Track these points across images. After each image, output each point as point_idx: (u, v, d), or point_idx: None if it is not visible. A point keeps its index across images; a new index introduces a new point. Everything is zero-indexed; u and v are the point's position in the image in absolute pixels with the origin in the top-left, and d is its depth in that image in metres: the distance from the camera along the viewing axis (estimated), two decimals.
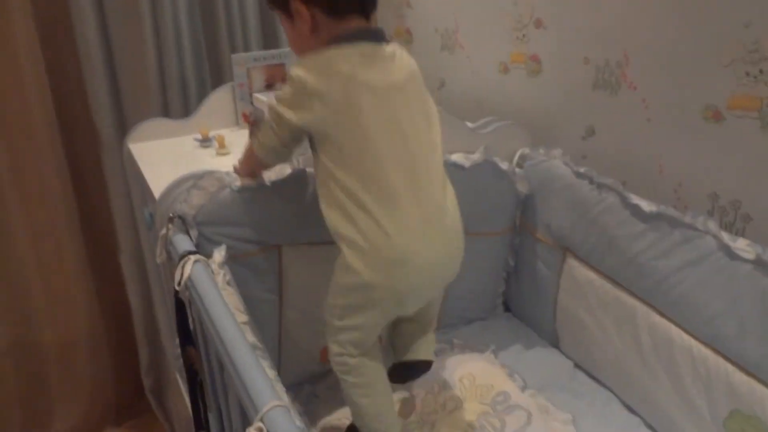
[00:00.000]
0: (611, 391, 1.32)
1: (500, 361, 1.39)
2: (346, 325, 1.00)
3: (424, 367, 1.13)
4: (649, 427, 1.23)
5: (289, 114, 0.96)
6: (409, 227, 0.94)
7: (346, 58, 0.94)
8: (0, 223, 1.68)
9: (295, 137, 1.00)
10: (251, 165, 1.14)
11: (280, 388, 0.80)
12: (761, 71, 1.08)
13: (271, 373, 0.84)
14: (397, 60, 0.99)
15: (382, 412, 1.06)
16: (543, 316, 1.46)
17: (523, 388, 1.29)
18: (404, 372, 1.13)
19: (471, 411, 1.20)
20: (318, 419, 1.25)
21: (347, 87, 0.93)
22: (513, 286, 1.57)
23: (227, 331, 0.86)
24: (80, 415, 1.96)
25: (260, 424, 0.69)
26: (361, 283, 0.95)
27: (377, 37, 0.98)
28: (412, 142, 0.96)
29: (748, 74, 1.10)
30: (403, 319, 1.11)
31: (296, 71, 0.95)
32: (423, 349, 1.12)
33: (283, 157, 1.08)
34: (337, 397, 1.22)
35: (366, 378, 1.04)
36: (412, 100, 0.99)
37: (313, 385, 1.36)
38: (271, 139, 1.01)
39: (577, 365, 1.40)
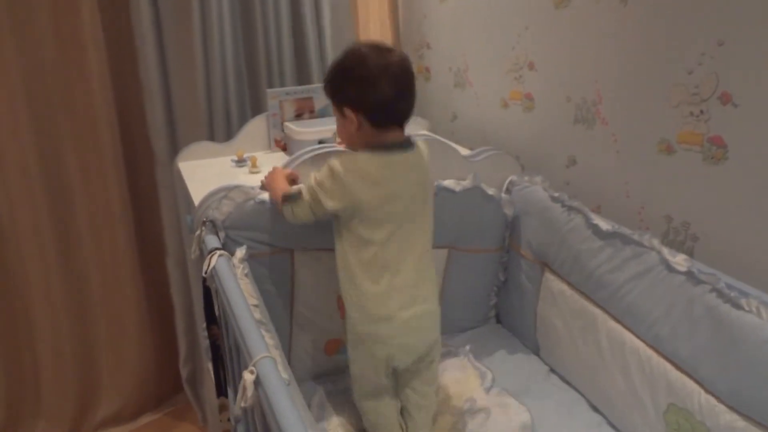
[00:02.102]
0: (580, 392, 1.47)
1: (476, 364, 1.55)
2: (355, 372, 1.31)
3: None
4: (610, 425, 1.38)
5: (327, 201, 1.20)
6: (394, 296, 1.21)
7: (377, 164, 1.19)
8: (67, 224, 1.97)
9: (324, 215, 1.24)
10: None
11: (275, 348, 1.02)
12: (701, 111, 1.26)
13: (270, 341, 1.06)
14: (417, 166, 1.24)
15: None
16: (526, 325, 1.64)
17: (489, 389, 1.46)
18: None
19: (444, 424, 1.39)
20: (326, 415, 1.43)
21: (372, 190, 1.18)
22: (503, 298, 1.75)
23: (238, 308, 1.09)
24: (124, 400, 2.21)
25: (252, 368, 0.91)
26: (358, 333, 1.25)
27: (405, 147, 1.22)
28: (411, 235, 1.23)
29: (692, 114, 1.28)
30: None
31: (337, 166, 1.18)
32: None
33: (306, 222, 1.30)
34: (341, 397, 1.45)
35: (379, 419, 1.32)
36: (418, 200, 1.25)
37: (323, 383, 1.54)
38: (307, 215, 1.26)
39: (552, 370, 1.56)
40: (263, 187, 1.42)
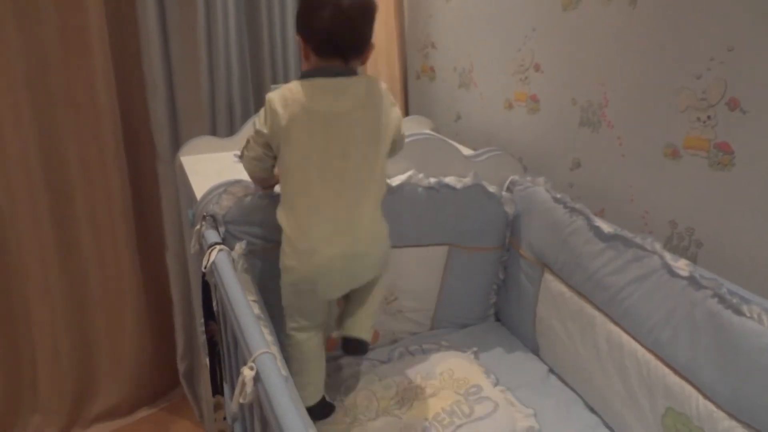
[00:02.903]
0: (577, 393, 1.47)
1: (480, 362, 1.56)
2: (286, 303, 1.29)
3: (359, 345, 1.34)
4: (607, 426, 1.38)
5: (259, 126, 1.23)
6: (319, 230, 1.20)
7: (305, 88, 1.20)
8: (68, 218, 1.96)
9: (267, 146, 1.25)
10: (256, 182, 1.40)
11: (273, 344, 1.02)
12: (709, 117, 1.25)
13: (269, 337, 1.06)
14: (350, 92, 1.22)
15: (306, 383, 1.31)
16: (525, 325, 1.63)
17: (495, 384, 1.46)
18: (345, 346, 1.36)
19: (445, 397, 1.39)
20: None
21: (296, 112, 1.18)
22: (502, 297, 1.74)
23: (238, 303, 1.08)
24: (121, 394, 2.20)
25: (252, 364, 0.91)
26: (286, 265, 1.24)
27: (338, 73, 1.21)
28: (341, 163, 1.20)
29: (699, 119, 1.28)
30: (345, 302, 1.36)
31: (270, 94, 1.22)
32: (351, 327, 1.34)
33: (263, 164, 1.30)
34: (337, 382, 1.45)
35: (301, 353, 1.30)
36: (355, 126, 1.21)
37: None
38: (256, 152, 1.27)
39: (551, 370, 1.56)
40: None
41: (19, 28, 1.75)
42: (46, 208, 1.92)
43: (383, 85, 1.27)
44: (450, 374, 1.46)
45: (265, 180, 1.38)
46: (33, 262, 1.95)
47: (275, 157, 1.27)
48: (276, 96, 1.21)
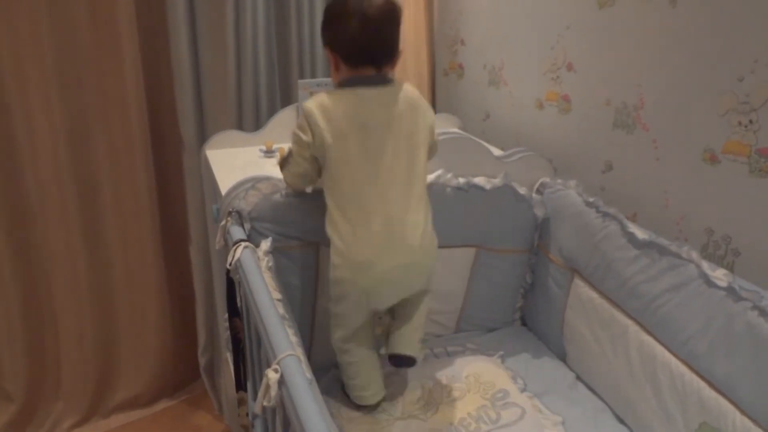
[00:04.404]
0: (605, 403, 1.44)
1: (507, 366, 1.53)
2: (336, 312, 1.28)
3: (406, 360, 1.33)
4: None
5: (306, 139, 1.21)
6: (373, 241, 1.19)
7: (345, 99, 1.20)
8: (94, 209, 1.97)
9: (313, 158, 1.24)
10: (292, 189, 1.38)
11: (298, 345, 1.00)
12: (750, 121, 1.20)
13: (294, 338, 1.04)
14: (390, 101, 1.22)
15: (367, 384, 1.33)
16: (552, 330, 1.60)
17: (522, 390, 1.43)
18: (393, 361, 1.35)
19: (472, 402, 1.37)
20: (339, 399, 1.42)
21: (340, 125, 1.18)
22: (529, 301, 1.71)
23: (263, 302, 1.07)
24: (142, 385, 2.22)
25: (277, 366, 0.89)
26: (338, 278, 1.23)
27: (375, 82, 1.21)
28: (388, 172, 1.20)
29: (740, 123, 1.23)
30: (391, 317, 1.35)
31: (308, 104, 1.21)
32: (398, 344, 1.33)
33: (309, 178, 1.29)
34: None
35: (355, 358, 1.32)
36: (396, 136, 1.21)
37: (337, 367, 1.53)
38: (299, 165, 1.26)
39: (578, 377, 1.52)
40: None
41: (50, 22, 1.76)
42: (73, 199, 1.93)
43: (416, 91, 1.28)
44: (476, 378, 1.43)
45: (304, 188, 1.37)
46: (59, 253, 1.96)
47: (320, 169, 1.26)
48: (315, 108, 1.20)
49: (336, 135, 1.18)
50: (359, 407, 1.36)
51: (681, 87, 1.35)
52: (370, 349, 1.35)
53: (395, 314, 1.35)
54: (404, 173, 1.22)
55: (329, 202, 1.23)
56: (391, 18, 1.21)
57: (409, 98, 1.24)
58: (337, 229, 1.21)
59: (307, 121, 1.21)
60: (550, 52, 1.75)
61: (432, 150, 1.31)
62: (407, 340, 1.33)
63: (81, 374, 2.11)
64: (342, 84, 1.22)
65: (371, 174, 1.19)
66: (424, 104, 1.27)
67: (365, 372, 1.34)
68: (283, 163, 1.31)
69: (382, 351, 1.37)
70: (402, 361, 1.34)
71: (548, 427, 1.33)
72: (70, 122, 1.86)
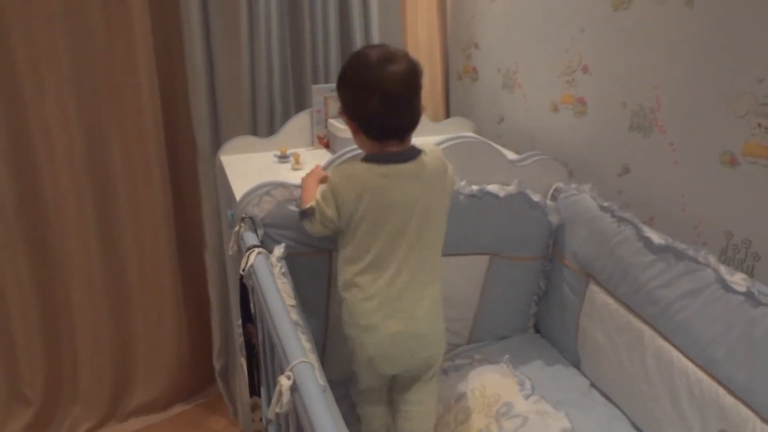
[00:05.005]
0: (622, 410, 1.41)
1: (515, 372, 1.50)
2: (352, 368, 1.32)
3: None
4: None
5: (327, 212, 1.20)
6: (386, 308, 1.19)
7: (374, 177, 1.16)
8: (110, 213, 1.99)
9: (333, 227, 1.24)
10: None
11: (311, 352, 1.00)
12: None
13: (307, 345, 1.04)
14: (420, 177, 1.19)
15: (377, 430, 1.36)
16: (567, 337, 1.58)
17: (528, 396, 1.41)
18: None
19: (476, 422, 1.35)
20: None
21: (369, 204, 1.16)
22: (543, 308, 1.69)
23: (276, 308, 1.07)
24: (158, 389, 2.23)
25: (289, 373, 0.89)
26: (347, 333, 1.26)
27: (403, 159, 1.18)
28: (413, 247, 1.19)
29: (759, 125, 1.21)
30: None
31: (335, 180, 1.19)
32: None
33: (325, 235, 1.29)
34: None
35: (367, 413, 1.35)
36: (422, 211, 1.19)
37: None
38: (318, 229, 1.25)
39: (593, 385, 1.50)
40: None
41: (66, 27, 1.78)
42: (90, 205, 1.95)
43: (438, 149, 1.26)
44: (481, 391, 1.41)
45: None
46: (76, 257, 1.98)
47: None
48: (344, 184, 1.17)
49: (363, 214, 1.17)
50: None
51: (698, 89, 1.33)
52: (381, 406, 1.35)
53: (404, 397, 1.31)
54: (428, 248, 1.22)
55: (345, 260, 1.23)
56: (415, 87, 1.16)
57: (437, 169, 1.22)
58: (350, 290, 1.22)
59: (333, 197, 1.19)
60: (565, 54, 1.74)
61: None
62: (419, 427, 1.31)
63: (98, 378, 2.13)
64: (372, 159, 1.18)
65: (394, 249, 1.18)
66: (445, 165, 1.26)
67: (375, 424, 1.36)
68: (304, 215, 1.27)
69: None
70: None
71: (552, 425, 1.31)
72: (86, 129, 1.88)
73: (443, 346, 1.31)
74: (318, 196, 1.23)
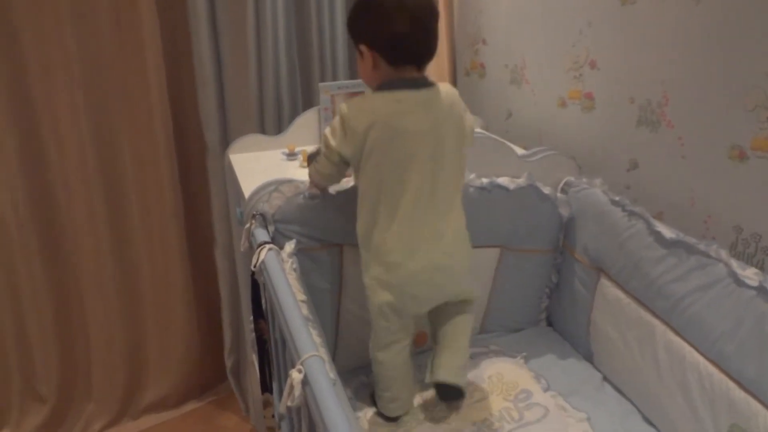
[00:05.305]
0: (633, 404, 1.41)
1: (532, 368, 1.52)
2: (373, 321, 1.28)
3: (452, 392, 1.30)
4: None
5: (335, 143, 1.19)
6: (408, 243, 1.19)
7: (387, 104, 1.16)
8: (121, 212, 2.01)
9: (341, 162, 1.22)
10: (314, 186, 1.36)
11: (322, 346, 1.01)
12: None
13: (318, 339, 1.05)
14: (435, 106, 1.18)
15: (397, 397, 1.33)
16: (578, 331, 1.58)
17: (546, 390, 1.42)
18: (439, 393, 1.33)
19: (494, 403, 1.36)
20: (365, 406, 1.42)
21: (381, 133, 1.15)
22: (554, 301, 1.69)
23: (287, 303, 1.08)
24: (170, 387, 2.25)
25: (300, 367, 0.90)
26: (371, 283, 1.23)
27: (418, 85, 1.18)
28: (430, 178, 1.18)
29: None
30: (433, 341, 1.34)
31: (343, 109, 1.17)
32: (440, 370, 1.30)
33: (334, 179, 1.30)
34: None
35: (390, 371, 1.31)
36: (442, 140, 1.19)
37: (367, 375, 1.53)
38: (327, 167, 1.24)
39: (605, 378, 1.50)
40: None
41: (75, 27, 1.79)
42: (100, 204, 1.96)
43: (456, 91, 1.25)
44: (499, 378, 1.43)
45: (326, 187, 1.37)
46: (88, 257, 2.00)
47: (346, 169, 1.25)
48: (354, 113, 1.16)
49: (375, 144, 1.15)
50: (384, 417, 1.36)
51: (706, 83, 1.33)
52: (405, 363, 1.33)
53: (436, 336, 1.33)
54: (446, 180, 1.20)
55: (362, 203, 1.22)
56: (434, 11, 1.17)
57: (450, 101, 1.21)
58: (367, 232, 1.21)
59: (342, 127, 1.17)
60: (572, 49, 1.74)
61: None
62: (449, 367, 1.30)
63: (111, 376, 2.15)
64: (386, 86, 1.17)
65: (410, 181, 1.17)
66: (463, 106, 1.25)
67: (397, 386, 1.33)
68: (311, 159, 1.29)
69: (426, 379, 1.34)
70: (448, 393, 1.31)
71: (572, 424, 1.32)
72: (96, 129, 1.90)
73: (470, 280, 1.31)
74: (326, 130, 1.21)
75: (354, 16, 1.20)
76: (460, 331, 1.32)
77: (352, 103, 1.18)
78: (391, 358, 1.30)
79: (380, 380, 1.33)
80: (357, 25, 1.19)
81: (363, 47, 1.18)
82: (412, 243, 1.19)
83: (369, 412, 1.40)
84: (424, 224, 1.19)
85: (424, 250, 1.20)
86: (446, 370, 1.30)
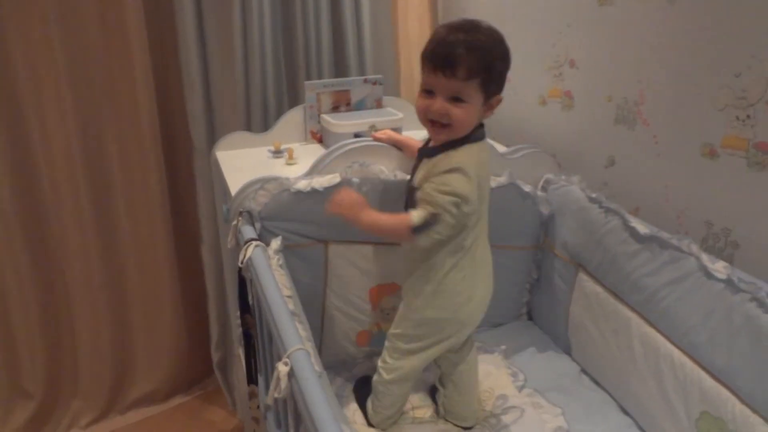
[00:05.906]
0: (610, 394, 1.46)
1: (511, 362, 1.56)
2: (408, 348, 1.31)
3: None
4: (640, 429, 1.37)
5: (469, 207, 1.15)
6: (477, 281, 1.29)
7: (483, 156, 1.23)
8: (107, 210, 2.02)
9: (464, 213, 1.16)
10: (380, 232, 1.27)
11: (308, 340, 1.04)
12: (748, 116, 1.23)
13: (303, 333, 1.08)
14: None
15: (393, 415, 1.39)
16: (558, 325, 1.63)
17: (521, 388, 1.46)
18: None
19: None
20: (349, 403, 1.45)
21: (481, 183, 1.20)
22: (535, 296, 1.74)
23: (273, 298, 1.11)
24: (157, 382, 2.26)
25: (287, 360, 0.93)
26: (435, 315, 1.27)
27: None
28: (485, 217, 1.28)
29: (737, 118, 1.25)
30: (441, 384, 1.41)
31: (466, 165, 1.13)
32: (461, 420, 1.39)
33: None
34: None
35: (397, 392, 1.35)
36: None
37: (349, 371, 1.57)
38: (449, 230, 1.16)
39: (583, 370, 1.55)
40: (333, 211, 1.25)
41: (60, 22, 1.79)
42: (87, 201, 1.97)
43: None
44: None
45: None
46: (75, 254, 2.01)
47: None
48: (473, 166, 1.14)
49: (479, 195, 1.19)
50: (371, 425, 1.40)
51: (680, 82, 1.38)
52: (409, 387, 1.39)
53: (451, 376, 1.38)
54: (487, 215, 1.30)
55: (442, 247, 1.20)
56: None
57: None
58: (443, 272, 1.23)
59: (463, 177, 1.12)
60: (552, 49, 1.78)
61: None
62: (468, 413, 1.39)
63: (98, 372, 2.16)
64: (473, 140, 1.19)
65: (481, 223, 1.26)
66: None
67: (398, 407, 1.38)
68: (421, 229, 1.14)
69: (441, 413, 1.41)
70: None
71: (548, 420, 1.36)
72: (83, 126, 1.91)
73: None
74: (442, 199, 1.12)
75: (502, 57, 1.17)
76: (474, 370, 1.41)
77: (462, 156, 1.15)
78: (406, 384, 1.36)
79: (384, 398, 1.37)
80: (503, 76, 1.18)
81: (492, 99, 1.18)
82: (480, 276, 1.30)
83: (354, 405, 1.44)
84: (486, 258, 1.32)
85: (486, 281, 1.32)
86: (466, 418, 1.39)
